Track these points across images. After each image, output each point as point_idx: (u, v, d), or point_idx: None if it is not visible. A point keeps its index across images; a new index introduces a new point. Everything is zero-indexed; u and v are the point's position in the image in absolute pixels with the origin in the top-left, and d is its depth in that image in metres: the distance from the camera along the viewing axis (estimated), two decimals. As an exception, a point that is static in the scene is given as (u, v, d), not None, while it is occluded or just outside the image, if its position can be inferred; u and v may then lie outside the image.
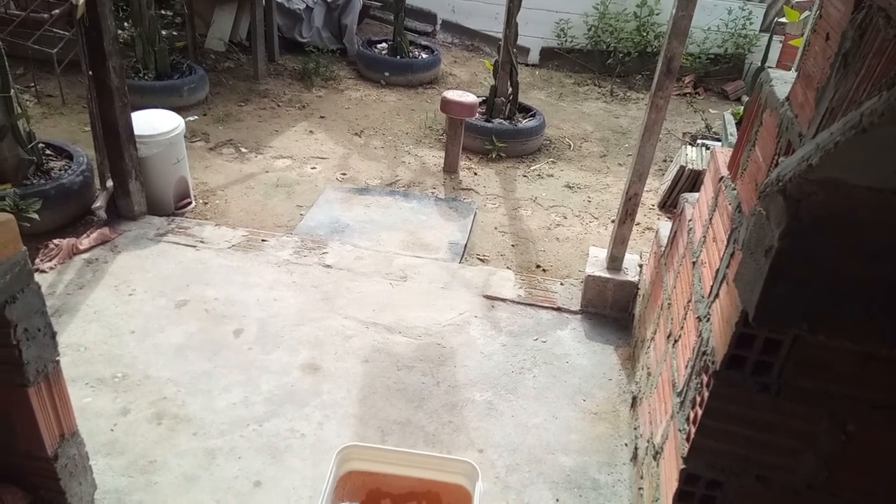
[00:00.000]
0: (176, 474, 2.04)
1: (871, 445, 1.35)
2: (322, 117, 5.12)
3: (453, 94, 4.25)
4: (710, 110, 6.09)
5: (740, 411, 1.41)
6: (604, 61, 6.77)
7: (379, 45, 6.24)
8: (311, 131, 4.85)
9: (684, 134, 5.29)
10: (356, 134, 4.90)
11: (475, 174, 4.50)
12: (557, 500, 2.09)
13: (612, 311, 2.96)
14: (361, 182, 4.20)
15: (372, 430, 2.25)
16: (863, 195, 1.07)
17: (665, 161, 4.91)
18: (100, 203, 3.34)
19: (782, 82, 1.69)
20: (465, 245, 3.57)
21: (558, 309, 2.99)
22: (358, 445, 1.69)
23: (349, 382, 2.45)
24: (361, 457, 1.65)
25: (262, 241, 3.28)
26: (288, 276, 3.02)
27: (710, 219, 1.95)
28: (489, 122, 4.87)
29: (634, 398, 2.45)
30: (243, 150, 4.46)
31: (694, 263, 1.99)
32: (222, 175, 4.11)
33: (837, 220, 1.13)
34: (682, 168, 4.11)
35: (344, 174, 4.29)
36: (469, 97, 4.26)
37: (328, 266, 3.12)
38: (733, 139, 4.08)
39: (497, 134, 4.71)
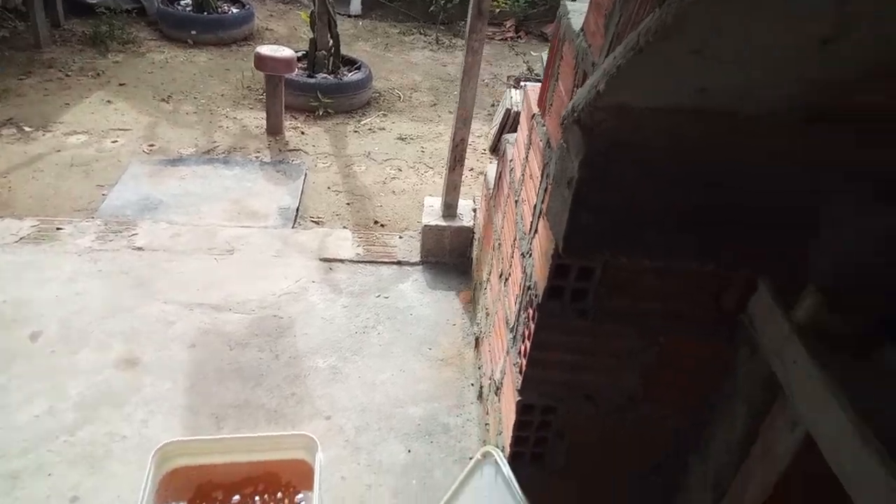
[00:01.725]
0: (-30, 510, 1.75)
1: (682, 354, 1.45)
2: (121, 84, 4.56)
3: (267, 50, 3.95)
4: (532, 52, 6.26)
5: (564, 339, 1.45)
6: (426, 9, 6.69)
7: (183, 2, 5.66)
8: (108, 101, 4.31)
9: (509, 77, 5.41)
10: (163, 100, 4.43)
11: (302, 133, 4.28)
12: (409, 451, 2.07)
13: (452, 257, 2.98)
14: (173, 152, 3.81)
15: (205, 419, 2.07)
16: (647, 117, 1.09)
17: (493, 105, 4.99)
18: None
19: (578, 14, 1.70)
20: (297, 209, 3.38)
21: (399, 263, 2.95)
22: (178, 441, 1.53)
23: (174, 372, 2.23)
24: (185, 452, 1.50)
25: (58, 229, 2.87)
26: (91, 265, 2.67)
27: (527, 157, 1.97)
28: (312, 77, 4.63)
29: (477, 339, 2.49)
30: (27, 128, 3.86)
31: (517, 202, 2.01)
32: (3, 160, 3.53)
33: (627, 146, 1.14)
34: (508, 111, 4.19)
35: (152, 145, 3.87)
36: (285, 52, 3.99)
37: (139, 248, 2.81)
38: (551, 79, 4.22)
39: (321, 89, 4.48)
